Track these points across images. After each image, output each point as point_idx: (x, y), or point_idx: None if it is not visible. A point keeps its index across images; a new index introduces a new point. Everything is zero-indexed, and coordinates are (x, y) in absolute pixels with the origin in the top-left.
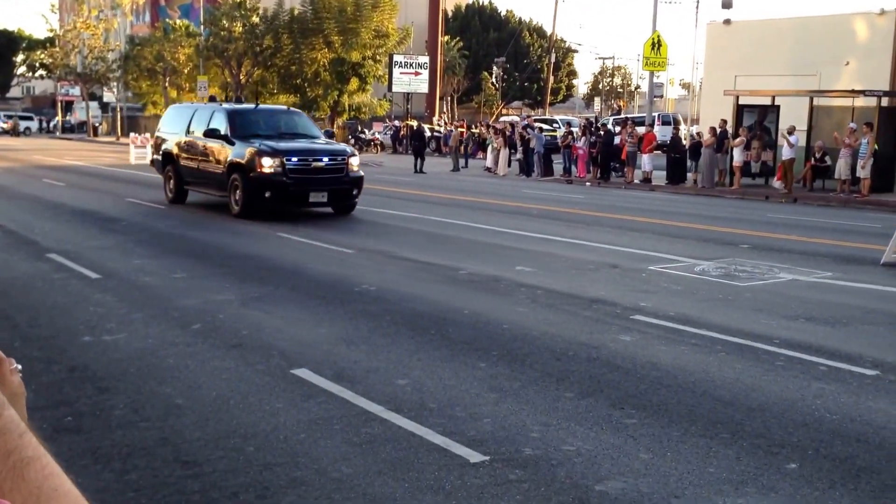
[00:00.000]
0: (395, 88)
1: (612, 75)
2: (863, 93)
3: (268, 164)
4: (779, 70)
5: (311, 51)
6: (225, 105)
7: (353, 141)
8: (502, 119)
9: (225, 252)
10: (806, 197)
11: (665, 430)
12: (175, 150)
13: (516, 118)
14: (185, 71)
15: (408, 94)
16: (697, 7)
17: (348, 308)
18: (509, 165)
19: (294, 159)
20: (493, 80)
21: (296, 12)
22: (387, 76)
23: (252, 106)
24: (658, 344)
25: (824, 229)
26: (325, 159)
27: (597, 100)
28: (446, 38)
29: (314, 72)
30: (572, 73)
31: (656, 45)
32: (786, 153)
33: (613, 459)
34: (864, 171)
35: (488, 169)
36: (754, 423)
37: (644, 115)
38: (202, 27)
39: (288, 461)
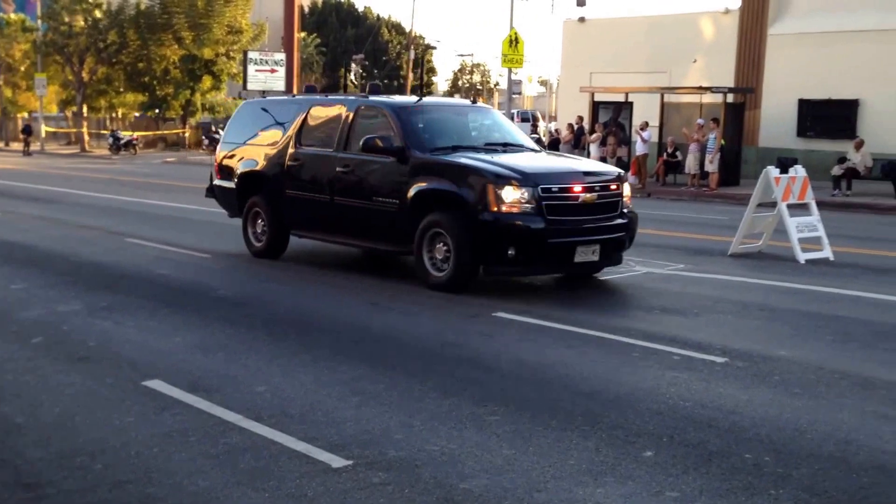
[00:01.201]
0: (250, 86)
1: (472, 72)
2: (709, 89)
3: (511, 198)
4: (632, 67)
5: (160, 47)
6: (375, 98)
7: (207, 142)
8: None
9: (69, 260)
10: (659, 191)
11: (527, 426)
12: (270, 173)
13: None
14: (22, 69)
15: (264, 91)
16: (553, 5)
17: (204, 315)
18: None
19: (554, 188)
20: (353, 77)
21: (143, 6)
22: (241, 74)
23: (414, 99)
24: (520, 340)
25: (677, 222)
26: (596, 186)
27: (457, 97)
28: (303, 34)
29: (164, 69)
30: (432, 70)
31: (514, 42)
32: (639, 149)
33: (477, 457)
34: (712, 166)
35: None
36: (612, 414)
37: (503, 112)
38: (39, 21)
39: (140, 477)
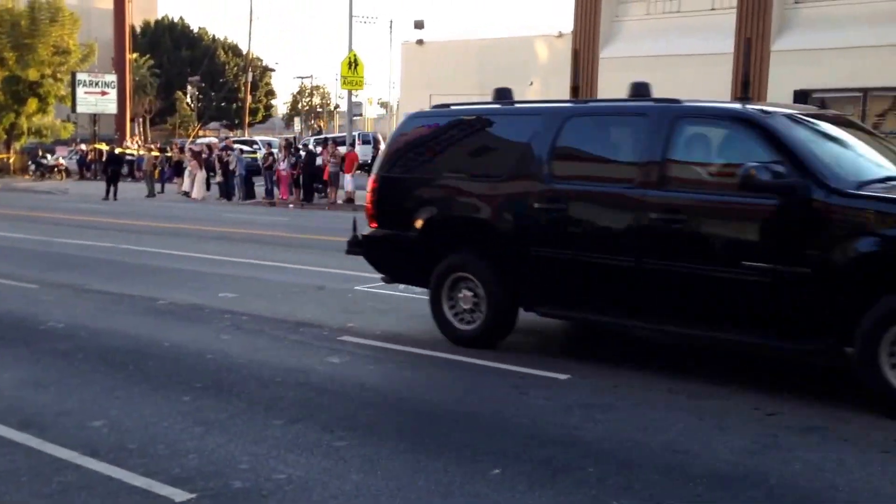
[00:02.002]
0: (80, 109)
1: (311, 95)
2: None
3: None
4: (470, 89)
5: None
6: (708, 105)
7: (34, 167)
8: (199, 141)
9: None
10: None
11: (375, 449)
12: (496, 220)
13: (214, 139)
14: None
15: (95, 115)
16: (391, 27)
17: (34, 348)
18: (208, 189)
19: None
20: (189, 100)
21: None
22: (70, 96)
23: (788, 106)
24: (366, 364)
25: None
26: None
27: (297, 120)
28: (135, 55)
29: None
30: (271, 93)
31: (353, 64)
32: None
33: (325, 483)
34: None
35: (186, 193)
36: (460, 434)
37: (345, 134)
38: None
39: None
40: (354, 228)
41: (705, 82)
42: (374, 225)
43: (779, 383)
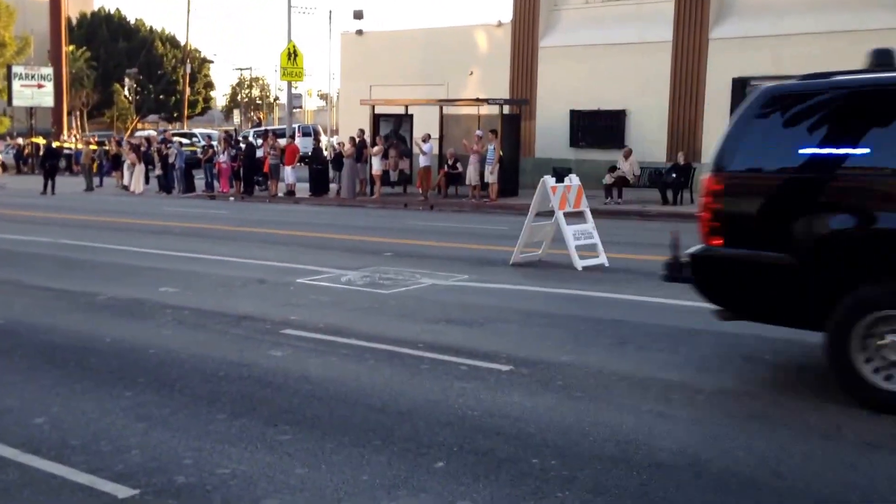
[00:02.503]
0: (15, 102)
1: (251, 86)
2: (486, 101)
3: None
4: (410, 80)
5: None
6: None
7: None
8: (138, 133)
9: None
10: (441, 203)
11: (319, 443)
12: None
13: (153, 132)
14: None
15: (31, 108)
16: (331, 18)
17: None
18: (147, 182)
19: None
20: (126, 92)
21: None
22: (6, 89)
23: None
24: (309, 357)
25: (459, 234)
26: None
27: (236, 112)
28: (71, 47)
29: None
30: (209, 85)
31: (292, 55)
32: (421, 161)
33: (269, 477)
34: (492, 177)
35: (125, 187)
36: (404, 427)
37: (285, 126)
38: None
39: None
40: (676, 248)
41: (644, 70)
42: (718, 242)
43: (721, 368)
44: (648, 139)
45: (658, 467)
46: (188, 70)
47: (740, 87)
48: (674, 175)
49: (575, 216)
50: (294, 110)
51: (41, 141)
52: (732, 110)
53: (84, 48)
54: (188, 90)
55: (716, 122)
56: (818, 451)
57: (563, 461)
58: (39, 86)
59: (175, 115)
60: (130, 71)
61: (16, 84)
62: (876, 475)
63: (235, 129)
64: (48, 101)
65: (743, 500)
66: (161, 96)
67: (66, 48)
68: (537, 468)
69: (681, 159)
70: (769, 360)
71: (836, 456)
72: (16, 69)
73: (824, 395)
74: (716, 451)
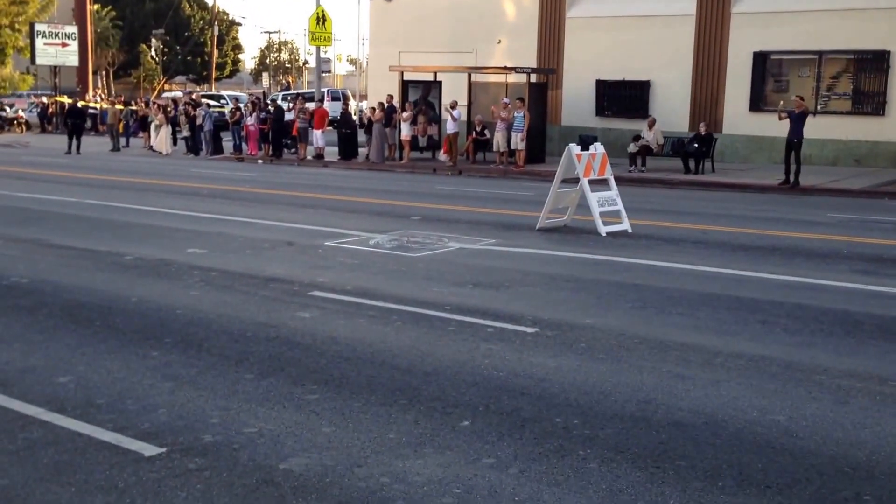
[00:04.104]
0: (39, 61)
1: (279, 50)
2: (514, 69)
3: None
4: (439, 47)
5: None
6: None
7: None
8: (165, 95)
9: None
10: (469, 169)
11: (346, 403)
12: None
13: (179, 94)
14: None
15: (55, 67)
16: None
17: None
18: (175, 144)
19: None
20: (153, 53)
21: None
22: (29, 47)
23: None
24: (337, 318)
25: (487, 199)
26: None
27: (265, 75)
28: (97, 6)
29: None
30: (238, 48)
31: (321, 19)
32: (450, 127)
33: (296, 436)
34: (521, 144)
35: (151, 148)
36: (430, 387)
37: (314, 90)
38: None
39: None
40: None
41: (668, 42)
42: None
43: (738, 332)
44: (672, 110)
45: (676, 426)
46: (216, 32)
47: (761, 60)
48: (696, 145)
49: (599, 183)
50: (323, 74)
51: (66, 100)
52: (753, 83)
53: (109, 7)
54: (216, 52)
55: (737, 94)
56: (829, 412)
57: (585, 420)
58: (63, 45)
59: (203, 76)
60: (157, 32)
61: (39, 42)
62: (882, 433)
63: (264, 93)
64: (73, 60)
65: (757, 459)
66: (188, 58)
67: (91, 7)
68: (560, 427)
69: (702, 129)
70: (784, 324)
71: (846, 416)
72: (39, 27)
73: (835, 359)
74: (732, 411)
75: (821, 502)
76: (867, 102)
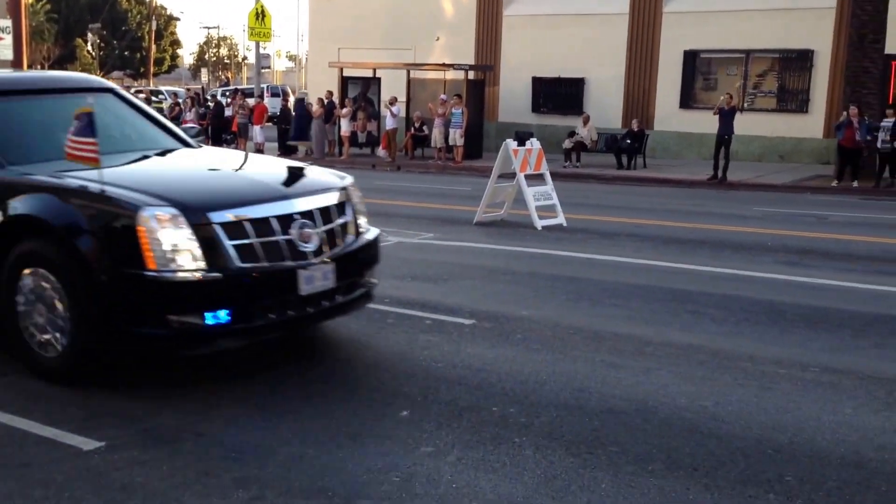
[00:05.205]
0: None
1: (218, 46)
2: (452, 66)
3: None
4: (378, 43)
5: None
6: None
7: None
8: None
9: None
10: (408, 165)
11: (284, 397)
12: None
13: None
14: None
15: None
16: None
17: None
18: None
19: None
20: (90, 47)
21: None
22: None
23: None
24: None
25: (425, 194)
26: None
27: (204, 70)
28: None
29: None
30: (176, 43)
31: (260, 15)
32: (389, 123)
33: (238, 427)
34: (460, 140)
35: None
36: (369, 379)
37: (253, 86)
38: None
39: None
40: None
41: (603, 41)
42: None
43: (669, 322)
44: (606, 107)
45: (609, 413)
46: (154, 27)
47: (691, 59)
48: (628, 141)
49: (535, 178)
50: (262, 70)
51: None
52: (683, 81)
53: (44, 1)
54: (154, 47)
55: (668, 92)
56: (753, 397)
57: (521, 409)
58: None
59: (141, 71)
60: (93, 26)
61: None
62: (803, 417)
63: (203, 88)
64: (7, 54)
65: (685, 443)
66: (126, 53)
67: (26, 0)
68: (497, 415)
69: (635, 126)
70: (712, 314)
71: (769, 401)
72: None
73: (760, 347)
74: (662, 398)
75: (745, 483)
76: (792, 100)
